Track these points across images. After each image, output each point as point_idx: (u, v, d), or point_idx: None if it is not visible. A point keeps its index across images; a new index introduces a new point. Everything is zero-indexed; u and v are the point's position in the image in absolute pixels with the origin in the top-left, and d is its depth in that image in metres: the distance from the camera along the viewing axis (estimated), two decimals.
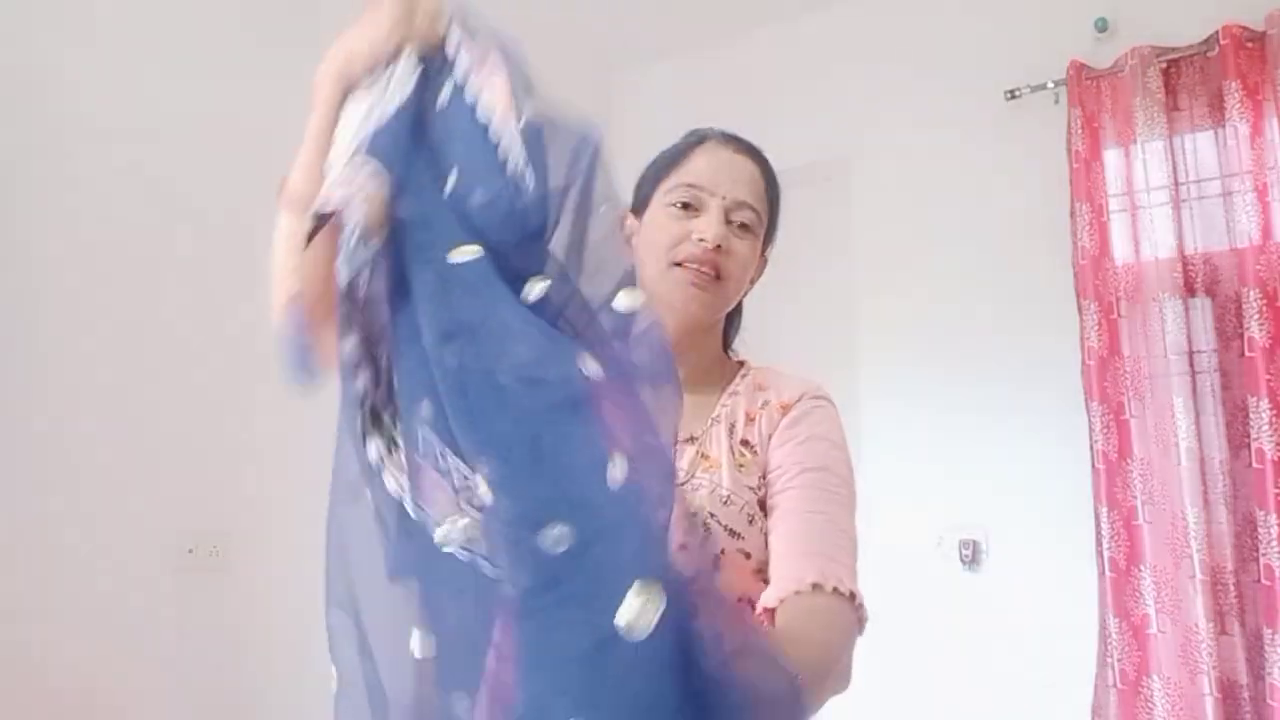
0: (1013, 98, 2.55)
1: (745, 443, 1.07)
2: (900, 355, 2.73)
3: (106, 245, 2.05)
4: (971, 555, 2.54)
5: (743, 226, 1.10)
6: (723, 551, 1.00)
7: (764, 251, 1.18)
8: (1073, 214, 2.40)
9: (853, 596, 0.95)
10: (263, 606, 2.24)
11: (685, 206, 1.09)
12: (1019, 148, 2.57)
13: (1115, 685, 2.21)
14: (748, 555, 1.01)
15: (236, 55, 2.32)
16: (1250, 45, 2.23)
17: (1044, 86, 2.50)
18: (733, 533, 1.01)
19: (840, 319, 2.87)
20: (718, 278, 1.08)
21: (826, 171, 2.97)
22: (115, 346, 2.05)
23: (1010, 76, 2.56)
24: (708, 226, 1.07)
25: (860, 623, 0.97)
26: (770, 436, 1.07)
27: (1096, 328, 2.32)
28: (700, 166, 1.11)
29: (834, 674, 0.91)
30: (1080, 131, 2.41)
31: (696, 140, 1.14)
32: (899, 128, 2.78)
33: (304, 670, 2.30)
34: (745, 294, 1.19)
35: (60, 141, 2.01)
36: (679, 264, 1.07)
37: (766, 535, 1.02)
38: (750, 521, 1.02)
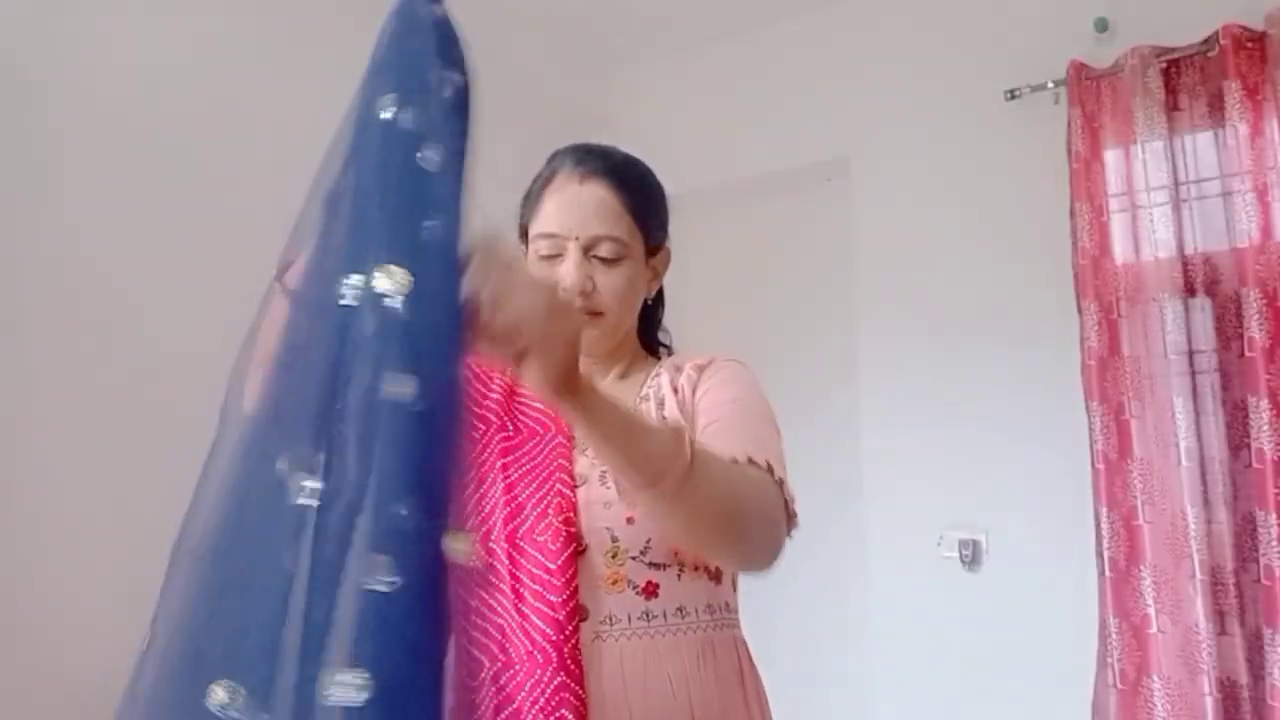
0: (1013, 98, 2.54)
1: (682, 411, 1.12)
2: (900, 355, 2.73)
3: (106, 241, 2.05)
4: (971, 555, 2.54)
5: (607, 260, 1.13)
6: None
7: (657, 251, 1.22)
8: (1073, 214, 2.40)
9: (781, 483, 1.00)
10: None
11: (550, 256, 1.14)
12: (1019, 148, 2.57)
13: (1115, 685, 2.21)
14: None
15: (235, 48, 2.32)
16: (1250, 45, 2.23)
17: (1044, 86, 2.50)
18: None
19: (840, 318, 2.87)
20: (596, 314, 1.13)
21: (826, 171, 2.97)
22: (114, 345, 2.05)
23: (1010, 76, 2.56)
24: (566, 274, 1.11)
25: (789, 514, 1.01)
26: (693, 392, 1.13)
27: (1096, 328, 2.32)
28: (551, 211, 1.15)
29: (753, 532, 0.96)
30: (1080, 131, 2.41)
31: (548, 175, 1.17)
32: (899, 128, 2.78)
33: None
34: (653, 290, 1.24)
35: (58, 134, 2.01)
36: None
37: None
38: None
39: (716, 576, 1.10)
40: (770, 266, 3.10)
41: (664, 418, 1.12)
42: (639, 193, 1.18)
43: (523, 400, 1.15)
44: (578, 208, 1.13)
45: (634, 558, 1.04)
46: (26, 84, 1.96)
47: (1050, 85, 2.49)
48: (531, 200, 1.18)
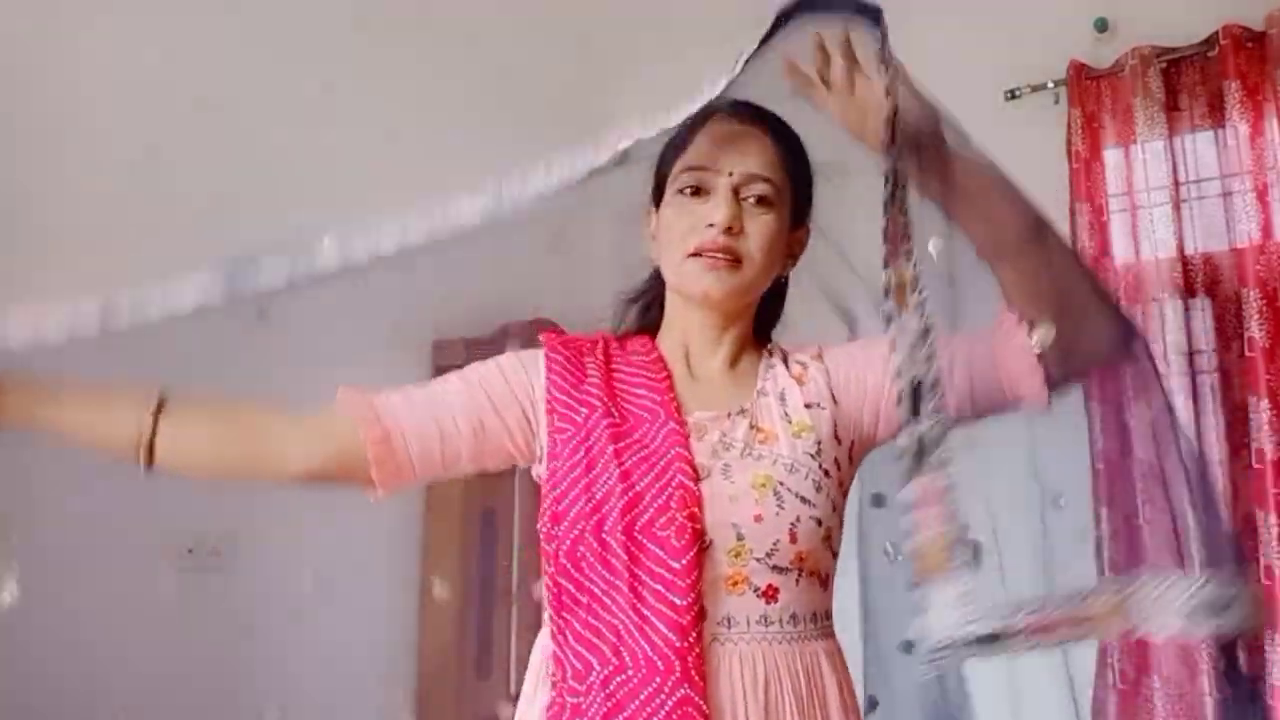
0: (1013, 98, 2.54)
1: (809, 405, 1.06)
2: None
3: (102, 239, 2.05)
4: (972, 555, 2.53)
5: (759, 201, 1.05)
6: (798, 519, 0.99)
7: (802, 222, 1.15)
8: (1072, 214, 2.39)
9: None
10: (263, 606, 2.24)
11: (695, 192, 1.05)
12: (1019, 148, 2.55)
13: (1115, 685, 2.20)
14: (819, 522, 1.00)
15: (233, 43, 2.32)
16: (1250, 45, 2.23)
17: (1044, 86, 2.50)
18: (804, 500, 1.00)
19: (839, 319, 2.86)
20: (736, 261, 1.04)
21: (826, 171, 2.96)
22: (113, 344, 2.05)
23: (1010, 76, 2.55)
24: (715, 209, 1.02)
25: None
26: (828, 376, 1.11)
27: None
28: (702, 145, 1.06)
29: None
30: (1080, 132, 2.41)
31: (701, 117, 1.07)
32: None
33: (303, 669, 2.30)
34: (787, 271, 1.16)
35: (56, 132, 2.01)
36: (695, 253, 1.04)
37: (834, 502, 1.03)
38: (817, 489, 1.01)
39: (825, 582, 1.03)
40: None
41: (785, 414, 1.05)
42: (796, 153, 1.11)
43: (622, 384, 1.07)
44: (734, 144, 1.05)
45: (758, 559, 0.97)
46: (22, 85, 1.97)
47: (1050, 85, 2.49)
48: (676, 144, 1.07)
